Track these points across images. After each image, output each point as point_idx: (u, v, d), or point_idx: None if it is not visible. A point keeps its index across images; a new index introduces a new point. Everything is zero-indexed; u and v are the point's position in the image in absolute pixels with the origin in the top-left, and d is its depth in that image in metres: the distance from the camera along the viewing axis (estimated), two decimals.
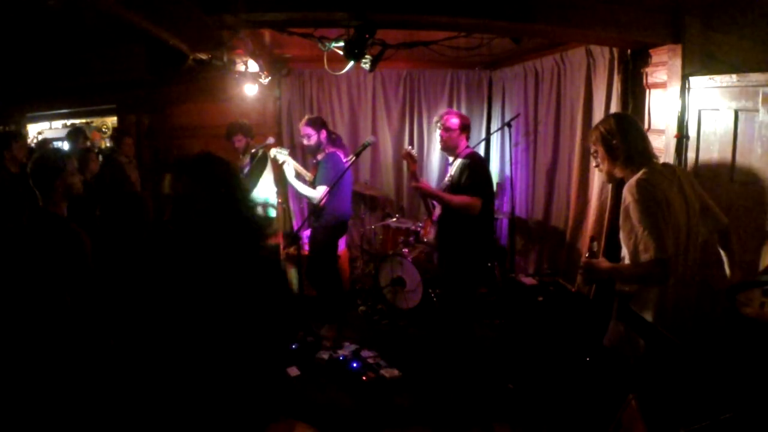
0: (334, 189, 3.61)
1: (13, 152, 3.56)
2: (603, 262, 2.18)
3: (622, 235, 2.14)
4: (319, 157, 3.99)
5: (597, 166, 2.29)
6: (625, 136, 2.14)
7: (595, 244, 2.24)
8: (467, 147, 3.31)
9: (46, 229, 2.21)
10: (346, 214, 4.12)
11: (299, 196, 4.40)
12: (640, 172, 2.06)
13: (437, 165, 5.73)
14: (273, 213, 4.87)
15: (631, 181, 2.05)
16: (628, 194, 2.04)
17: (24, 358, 2.06)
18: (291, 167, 3.97)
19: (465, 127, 3.29)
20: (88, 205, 2.85)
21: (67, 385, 2.05)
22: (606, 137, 2.17)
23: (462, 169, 3.15)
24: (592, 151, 2.30)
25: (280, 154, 4.06)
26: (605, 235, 3.72)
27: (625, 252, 2.16)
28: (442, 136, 3.28)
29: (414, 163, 3.31)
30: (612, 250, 2.32)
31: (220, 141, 4.86)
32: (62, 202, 2.33)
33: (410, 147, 3.46)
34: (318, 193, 3.80)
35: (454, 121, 3.25)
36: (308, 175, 4.06)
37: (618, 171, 2.17)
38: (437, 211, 3.43)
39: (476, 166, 3.16)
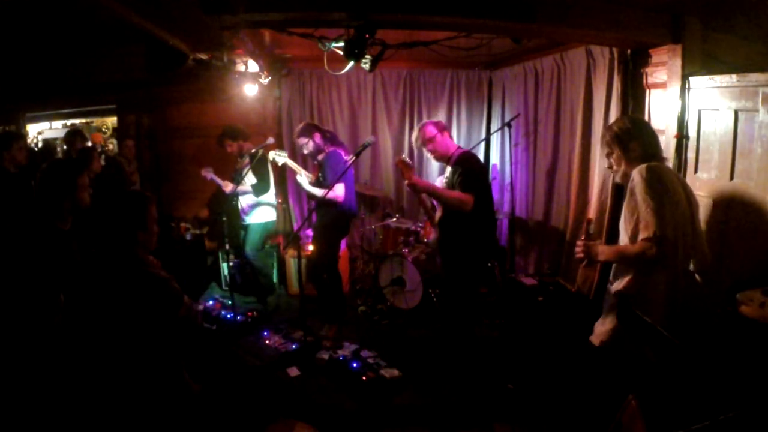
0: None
1: (12, 153, 3.56)
2: (600, 244, 2.20)
3: (624, 216, 2.14)
4: (320, 157, 4.00)
5: (611, 167, 2.29)
6: (642, 137, 2.17)
7: (592, 226, 2.25)
8: (458, 148, 3.33)
9: (46, 242, 2.21)
10: (351, 213, 4.13)
11: (310, 197, 4.39)
12: (653, 164, 2.10)
13: (437, 164, 5.73)
14: (273, 214, 4.88)
15: (642, 165, 2.08)
16: (636, 174, 2.05)
17: (21, 355, 2.07)
18: (304, 178, 4.01)
19: (441, 128, 3.31)
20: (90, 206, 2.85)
21: (60, 383, 2.06)
22: (622, 138, 2.19)
23: (455, 169, 3.19)
24: (605, 152, 2.29)
25: (279, 156, 4.13)
26: (605, 233, 3.72)
27: (623, 238, 2.17)
28: (429, 150, 3.31)
29: (409, 170, 3.22)
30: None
31: None
32: (69, 217, 2.32)
33: (404, 156, 3.45)
34: (339, 190, 3.82)
35: (430, 129, 3.28)
36: (310, 176, 4.07)
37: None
38: (438, 213, 3.43)
39: (468, 164, 3.18)
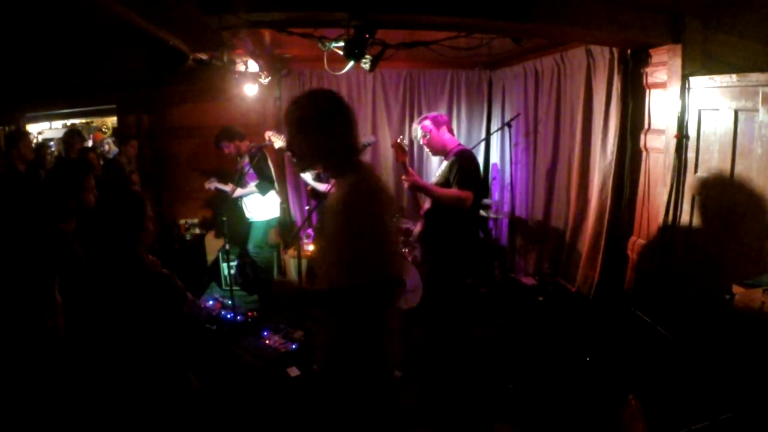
0: None
1: (21, 150, 3.60)
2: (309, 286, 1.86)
3: (338, 247, 1.69)
4: None
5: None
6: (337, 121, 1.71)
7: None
8: (458, 145, 3.32)
9: (50, 243, 2.20)
10: None
11: (312, 195, 4.38)
12: (366, 172, 1.71)
13: (437, 164, 5.73)
14: (277, 211, 4.88)
15: (360, 183, 1.64)
16: (359, 199, 1.61)
17: (18, 356, 2.06)
18: (308, 173, 4.02)
19: (438, 123, 3.31)
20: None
21: (57, 384, 2.06)
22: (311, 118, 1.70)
23: (451, 166, 3.19)
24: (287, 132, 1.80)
25: (275, 138, 4.09)
26: (605, 234, 3.72)
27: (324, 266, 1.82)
28: (425, 144, 3.32)
29: (404, 154, 3.23)
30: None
31: None
32: (73, 218, 2.32)
33: (402, 138, 3.40)
34: None
35: (426, 124, 3.29)
36: (312, 172, 4.08)
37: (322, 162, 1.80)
38: (426, 205, 3.42)
39: (465, 161, 3.17)
